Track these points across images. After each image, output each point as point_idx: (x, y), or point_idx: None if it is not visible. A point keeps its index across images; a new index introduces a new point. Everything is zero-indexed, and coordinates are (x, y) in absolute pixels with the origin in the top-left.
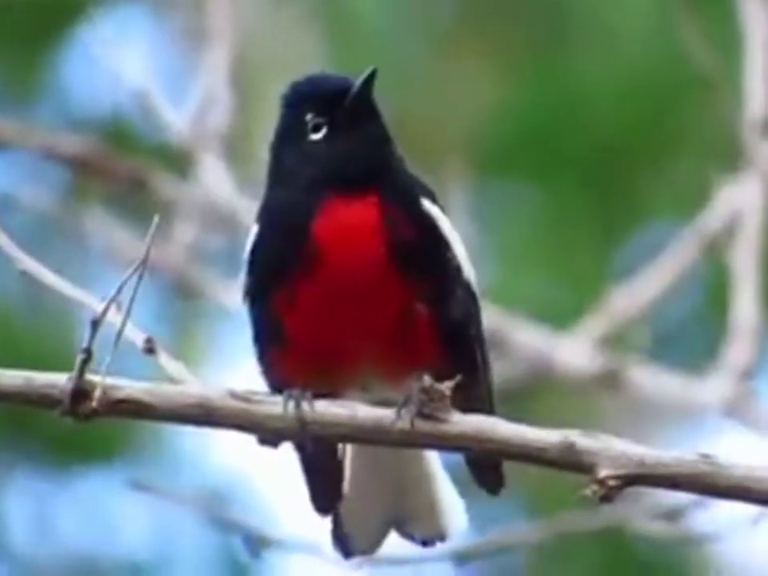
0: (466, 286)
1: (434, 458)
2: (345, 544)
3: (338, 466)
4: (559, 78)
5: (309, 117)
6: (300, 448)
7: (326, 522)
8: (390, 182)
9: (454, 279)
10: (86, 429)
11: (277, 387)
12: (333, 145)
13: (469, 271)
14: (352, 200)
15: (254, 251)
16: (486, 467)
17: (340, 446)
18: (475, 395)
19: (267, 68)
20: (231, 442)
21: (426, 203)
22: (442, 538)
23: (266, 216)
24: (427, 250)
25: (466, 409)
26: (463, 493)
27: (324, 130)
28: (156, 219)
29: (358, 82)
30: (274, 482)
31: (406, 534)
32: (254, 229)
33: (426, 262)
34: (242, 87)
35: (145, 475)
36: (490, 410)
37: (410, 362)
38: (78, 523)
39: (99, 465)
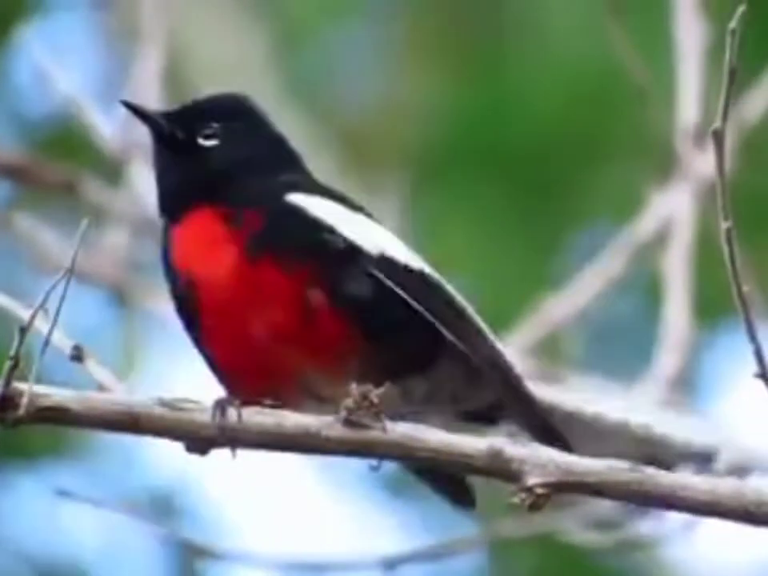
0: (379, 263)
1: None
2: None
3: None
4: (497, 82)
5: None
6: None
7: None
8: (225, 191)
9: (342, 258)
10: (27, 431)
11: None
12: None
13: (383, 248)
14: (187, 222)
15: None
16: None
17: None
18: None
19: (203, 72)
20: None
21: (293, 196)
22: None
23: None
24: (292, 236)
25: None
26: (397, 496)
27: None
28: (84, 224)
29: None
30: (212, 488)
31: None
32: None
33: (296, 248)
34: (177, 91)
35: (81, 481)
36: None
37: (335, 351)
38: (16, 528)
39: (36, 467)
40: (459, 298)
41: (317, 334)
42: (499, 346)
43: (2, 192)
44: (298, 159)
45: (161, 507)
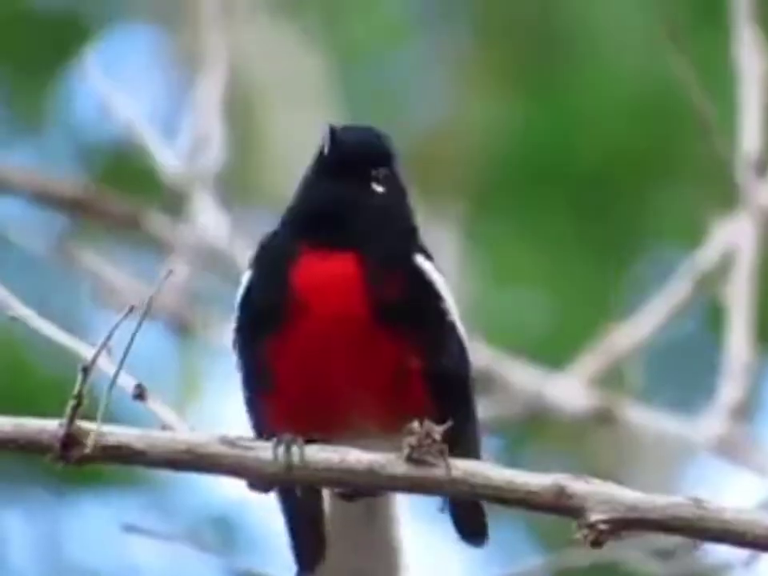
0: (459, 342)
1: (402, 521)
2: None
3: (322, 522)
4: (558, 105)
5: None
6: (284, 501)
7: None
8: (375, 241)
9: (447, 334)
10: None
11: (264, 434)
12: (310, 196)
13: (461, 327)
14: (328, 255)
15: (244, 296)
16: (468, 516)
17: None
18: (463, 444)
19: (265, 97)
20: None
21: (418, 258)
22: None
23: (256, 261)
24: (418, 305)
25: (454, 455)
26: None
27: (311, 180)
28: (165, 270)
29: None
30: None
31: None
32: (247, 273)
33: (418, 318)
34: (237, 120)
35: (148, 508)
36: (475, 454)
37: (402, 414)
38: (83, 553)
39: (104, 494)
40: None
41: (397, 397)
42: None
43: (65, 225)
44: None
45: (224, 538)
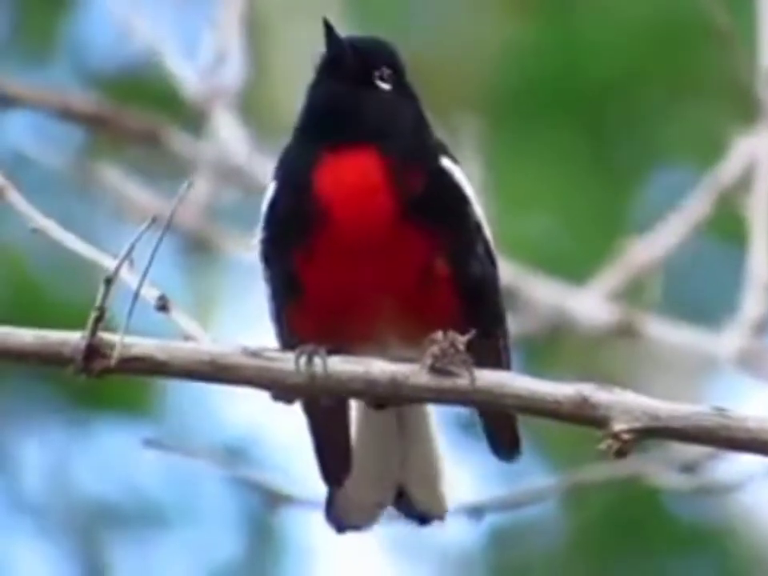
0: (486, 244)
1: (436, 430)
2: (338, 518)
3: (348, 436)
4: (572, 22)
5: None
6: (310, 416)
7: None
8: (394, 139)
9: (474, 236)
10: (103, 383)
11: (291, 345)
12: (315, 97)
13: (487, 229)
14: (348, 154)
15: (269, 208)
16: (501, 429)
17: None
18: (493, 351)
19: (281, 15)
20: (248, 397)
21: (444, 160)
22: (440, 514)
23: (278, 172)
24: (443, 204)
25: (483, 365)
26: (477, 447)
27: (319, 83)
28: (185, 184)
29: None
30: (291, 437)
31: (404, 510)
32: (271, 185)
33: (444, 217)
34: (255, 36)
35: (162, 430)
36: (507, 366)
37: (429, 320)
38: (95, 475)
39: (117, 418)
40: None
41: (424, 301)
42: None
43: (83, 141)
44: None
45: (238, 457)
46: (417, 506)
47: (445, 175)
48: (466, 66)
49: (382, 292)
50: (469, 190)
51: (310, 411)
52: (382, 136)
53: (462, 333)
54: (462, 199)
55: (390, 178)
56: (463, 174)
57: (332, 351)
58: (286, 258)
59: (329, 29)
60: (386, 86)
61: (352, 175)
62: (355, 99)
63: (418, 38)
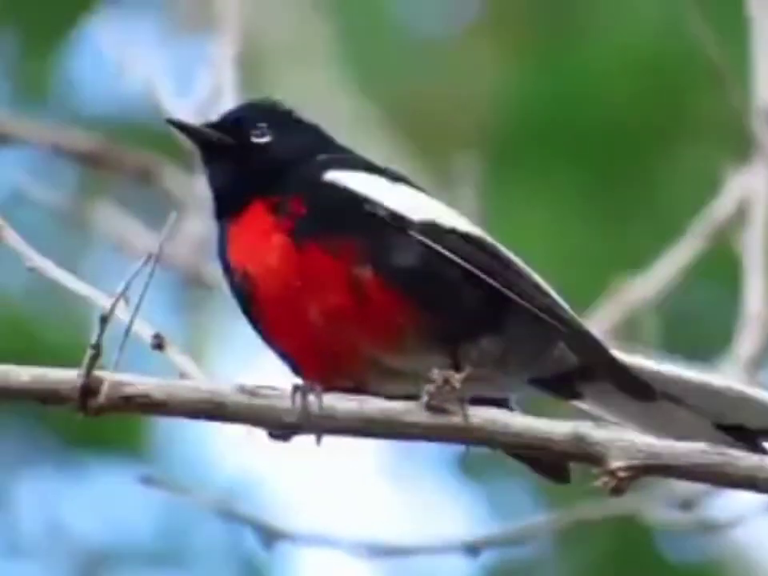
0: (424, 228)
1: None
2: None
3: None
4: (570, 62)
5: None
6: None
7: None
8: (276, 181)
9: (385, 229)
10: (98, 423)
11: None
12: (208, 180)
13: (427, 213)
14: (242, 219)
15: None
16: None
17: None
18: (539, 327)
19: (276, 57)
20: (242, 436)
21: (328, 173)
22: None
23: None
24: (334, 212)
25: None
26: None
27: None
28: (172, 216)
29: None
30: (285, 475)
31: None
32: None
33: (340, 224)
34: (250, 74)
35: (155, 471)
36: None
37: (392, 324)
38: (90, 516)
39: (111, 458)
40: (513, 256)
41: (371, 309)
42: (559, 299)
43: (79, 179)
44: (338, 143)
45: (232, 495)
46: None
47: (326, 187)
48: (463, 106)
49: (333, 324)
50: (365, 186)
51: None
52: (265, 186)
53: (453, 330)
54: (352, 200)
55: (274, 216)
56: (361, 175)
57: (328, 388)
58: (254, 324)
59: (179, 127)
60: (264, 140)
61: (247, 234)
62: (232, 169)
63: (414, 78)
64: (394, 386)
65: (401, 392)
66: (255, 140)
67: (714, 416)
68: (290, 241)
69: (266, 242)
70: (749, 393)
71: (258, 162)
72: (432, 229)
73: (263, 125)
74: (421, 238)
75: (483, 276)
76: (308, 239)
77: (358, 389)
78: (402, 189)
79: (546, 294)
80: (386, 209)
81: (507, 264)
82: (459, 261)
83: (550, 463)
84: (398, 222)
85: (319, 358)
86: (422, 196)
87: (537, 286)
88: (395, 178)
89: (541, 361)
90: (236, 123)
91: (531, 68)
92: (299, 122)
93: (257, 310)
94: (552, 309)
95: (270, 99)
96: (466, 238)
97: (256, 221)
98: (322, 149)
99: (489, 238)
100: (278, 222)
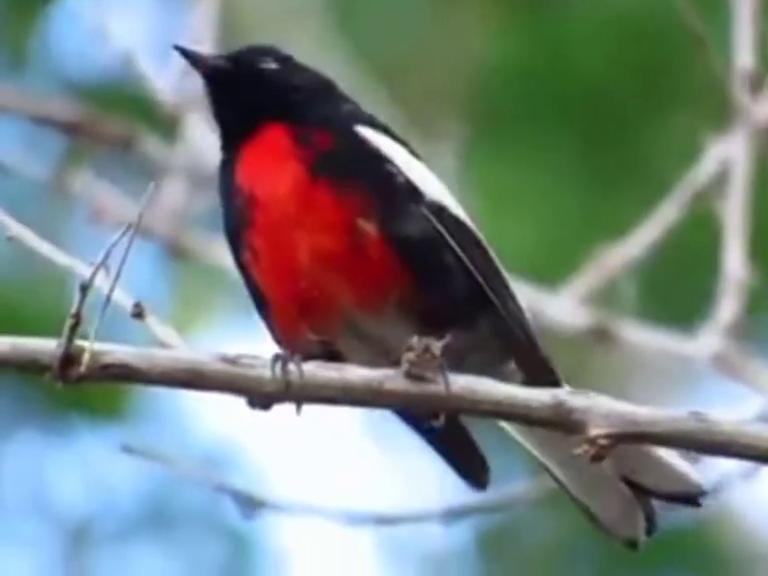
0: (432, 208)
1: None
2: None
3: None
4: (553, 31)
5: None
6: (424, 433)
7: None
8: (296, 107)
9: (400, 195)
10: (81, 391)
11: (280, 343)
12: (214, 103)
13: (437, 194)
14: (256, 139)
15: (223, 226)
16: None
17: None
18: (503, 333)
19: (260, 22)
20: (224, 404)
21: (360, 126)
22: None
23: (218, 187)
24: (357, 162)
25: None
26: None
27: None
28: (152, 185)
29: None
30: (266, 443)
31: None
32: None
33: (360, 175)
34: (231, 41)
35: (141, 435)
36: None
37: (379, 284)
38: (74, 481)
39: (96, 423)
40: (496, 258)
41: (363, 263)
42: (524, 308)
43: (59, 148)
44: (351, 98)
45: (214, 463)
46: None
47: (356, 136)
48: (450, 71)
49: (322, 269)
50: (392, 150)
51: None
52: (283, 108)
53: (434, 305)
54: (378, 158)
55: (296, 144)
56: (388, 140)
57: (309, 357)
58: (243, 265)
59: (186, 56)
60: (273, 66)
61: (262, 155)
62: (241, 93)
63: (400, 43)
64: (360, 352)
65: (363, 359)
66: (264, 66)
67: (626, 470)
68: (307, 171)
69: (281, 167)
70: (666, 459)
71: (269, 86)
72: (439, 210)
73: (268, 58)
74: (428, 214)
75: (474, 271)
76: (325, 175)
77: (328, 352)
78: (418, 164)
79: (520, 309)
80: (406, 178)
81: (495, 267)
82: (457, 249)
83: (471, 467)
84: (411, 193)
85: (296, 302)
86: (433, 176)
87: (513, 297)
88: (413, 152)
89: (492, 371)
90: (243, 57)
91: (517, 33)
92: (308, 68)
93: (250, 235)
94: (522, 323)
95: (271, 45)
96: (465, 228)
97: (274, 144)
98: (332, 89)
99: (481, 234)
100: (299, 150)
